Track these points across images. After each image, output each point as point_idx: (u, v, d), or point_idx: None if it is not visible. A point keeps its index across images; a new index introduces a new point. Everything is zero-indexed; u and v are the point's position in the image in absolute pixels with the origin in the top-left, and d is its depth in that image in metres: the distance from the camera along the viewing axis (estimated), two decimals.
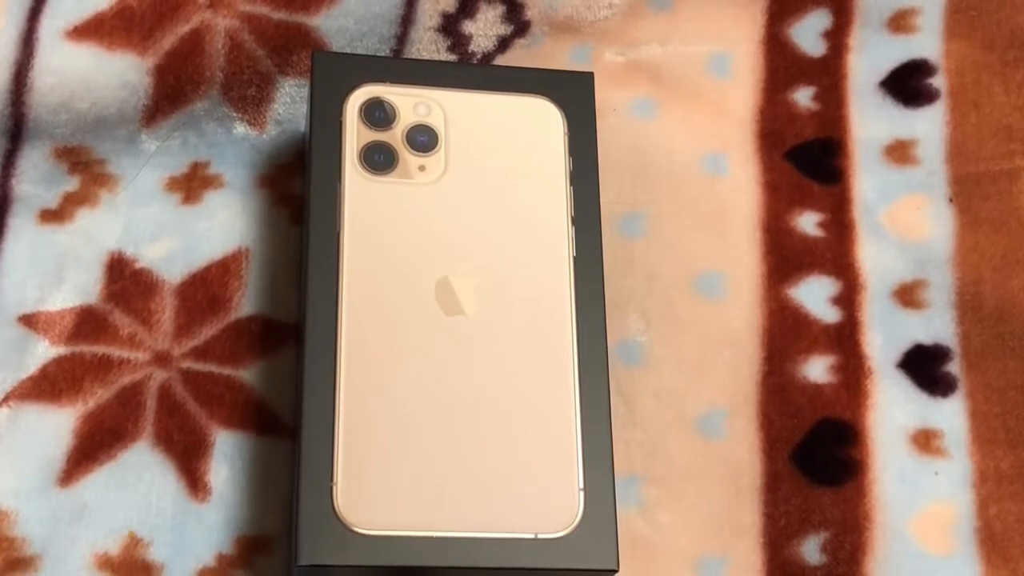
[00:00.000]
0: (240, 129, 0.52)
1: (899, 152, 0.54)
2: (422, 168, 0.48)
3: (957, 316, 0.52)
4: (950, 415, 0.50)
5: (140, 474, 0.47)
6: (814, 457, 0.49)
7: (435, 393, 0.44)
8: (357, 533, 0.42)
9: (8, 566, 0.45)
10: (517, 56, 0.55)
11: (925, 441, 0.50)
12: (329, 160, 0.47)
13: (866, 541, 0.48)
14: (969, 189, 0.54)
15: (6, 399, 0.47)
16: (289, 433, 0.47)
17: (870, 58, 0.56)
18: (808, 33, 0.56)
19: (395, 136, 0.48)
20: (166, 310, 0.49)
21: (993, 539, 0.48)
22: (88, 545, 0.45)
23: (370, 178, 0.47)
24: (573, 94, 0.50)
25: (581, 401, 0.45)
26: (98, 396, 0.47)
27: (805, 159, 0.54)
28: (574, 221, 0.48)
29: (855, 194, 0.53)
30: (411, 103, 0.49)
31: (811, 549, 0.48)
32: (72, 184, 0.51)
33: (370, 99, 0.48)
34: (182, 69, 0.53)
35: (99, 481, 0.46)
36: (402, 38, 0.54)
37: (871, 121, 0.55)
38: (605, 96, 0.53)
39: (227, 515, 0.46)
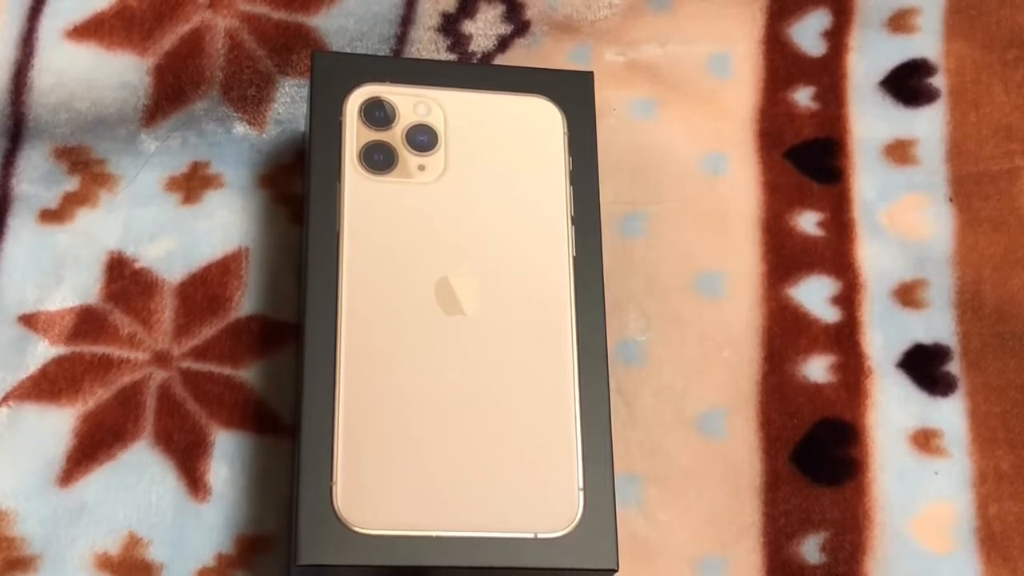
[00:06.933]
0: (240, 129, 0.52)
1: (899, 152, 0.54)
2: (422, 168, 0.48)
3: (957, 316, 0.52)
4: (950, 415, 0.50)
5: (140, 474, 0.47)
6: (814, 457, 0.49)
7: (435, 393, 0.44)
8: (357, 533, 0.42)
9: (8, 566, 0.45)
10: (517, 56, 0.55)
11: (925, 441, 0.50)
12: (329, 160, 0.47)
13: (866, 541, 0.48)
14: (969, 189, 0.54)
15: (6, 399, 0.47)
16: (289, 433, 0.47)
17: (870, 58, 0.56)
18: (808, 33, 0.56)
19: (395, 136, 0.48)
20: (166, 310, 0.49)
21: (993, 539, 0.48)
22: (88, 545, 0.45)
23: (370, 178, 0.47)
24: (573, 94, 0.50)
25: (581, 401, 0.45)
26: (98, 396, 0.47)
27: (805, 159, 0.54)
28: (574, 221, 0.48)
29: (855, 194, 0.53)
30: (411, 103, 0.49)
31: (811, 549, 0.48)
32: (72, 184, 0.51)
33: (370, 99, 0.48)
34: (182, 69, 0.53)
35: (99, 481, 0.46)
36: (402, 38, 0.54)
37: (871, 121, 0.55)
38: (605, 96, 0.53)
39: (227, 515, 0.46)
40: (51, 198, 0.50)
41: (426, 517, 0.43)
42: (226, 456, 0.47)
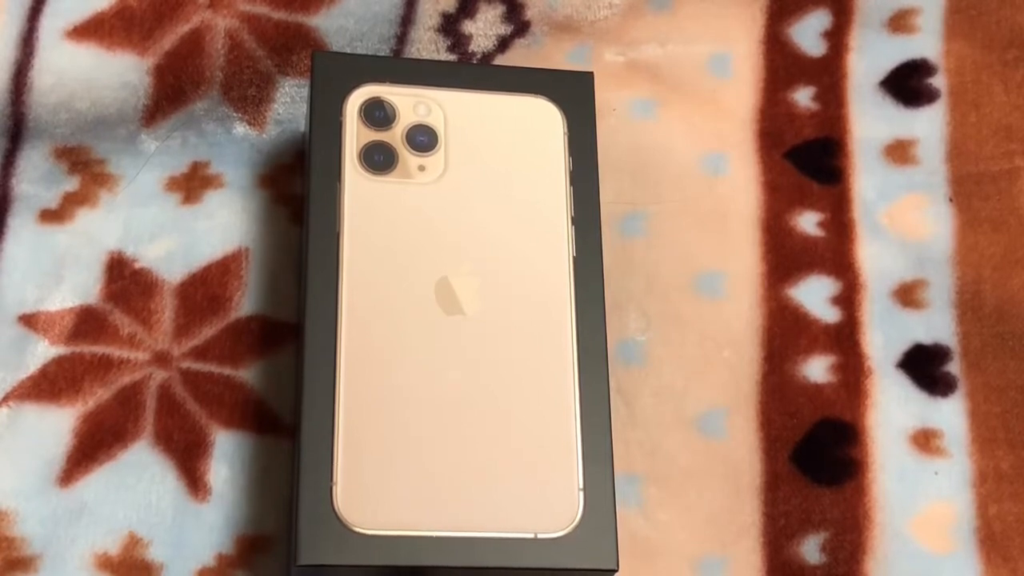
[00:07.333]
0: (240, 129, 0.52)
1: (899, 152, 0.54)
2: (422, 168, 0.48)
3: (957, 316, 0.52)
4: (950, 415, 0.50)
5: (140, 474, 0.47)
6: (814, 457, 0.49)
7: (435, 393, 0.44)
8: (357, 533, 0.42)
9: (8, 566, 0.45)
10: (517, 56, 0.55)
11: (925, 441, 0.50)
12: (329, 160, 0.47)
13: (866, 541, 0.48)
14: (969, 189, 0.54)
15: (6, 399, 0.47)
16: (289, 433, 0.47)
17: (870, 58, 0.56)
18: (808, 33, 0.56)
19: (395, 136, 0.48)
20: (166, 310, 0.49)
21: (993, 539, 0.48)
22: (88, 545, 0.45)
23: (370, 178, 0.47)
24: (573, 94, 0.50)
25: (581, 401, 0.45)
26: (98, 396, 0.47)
27: (805, 159, 0.54)
28: (574, 221, 0.48)
29: (855, 194, 0.53)
30: (411, 103, 0.49)
31: (811, 549, 0.48)
32: (72, 184, 0.51)
33: (370, 99, 0.48)
34: (182, 69, 0.53)
35: (99, 481, 0.46)
36: (402, 38, 0.54)
37: (871, 121, 0.55)
38: (605, 96, 0.53)
39: (227, 515, 0.46)
40: (51, 198, 0.50)
41: (426, 517, 0.43)
42: (226, 456, 0.47)
